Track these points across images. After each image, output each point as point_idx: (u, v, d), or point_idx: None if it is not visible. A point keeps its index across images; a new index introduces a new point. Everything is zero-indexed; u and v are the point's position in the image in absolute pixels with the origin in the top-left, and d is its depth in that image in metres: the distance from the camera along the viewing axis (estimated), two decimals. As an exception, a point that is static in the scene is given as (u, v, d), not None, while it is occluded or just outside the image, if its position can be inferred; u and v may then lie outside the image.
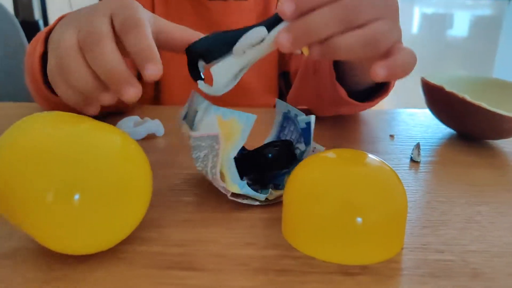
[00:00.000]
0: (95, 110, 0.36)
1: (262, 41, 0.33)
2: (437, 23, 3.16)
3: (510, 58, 2.35)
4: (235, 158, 0.33)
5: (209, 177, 0.33)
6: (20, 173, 0.24)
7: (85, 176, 0.24)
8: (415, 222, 0.33)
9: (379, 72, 0.30)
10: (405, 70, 0.32)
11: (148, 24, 0.33)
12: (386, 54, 0.32)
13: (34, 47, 0.50)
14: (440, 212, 0.35)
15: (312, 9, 0.30)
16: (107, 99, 0.33)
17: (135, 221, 0.28)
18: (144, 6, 0.67)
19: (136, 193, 0.27)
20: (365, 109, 0.57)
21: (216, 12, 0.71)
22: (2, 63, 0.82)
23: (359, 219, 0.27)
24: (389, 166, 0.31)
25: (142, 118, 0.51)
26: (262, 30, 0.32)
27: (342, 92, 0.50)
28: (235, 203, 0.35)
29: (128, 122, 0.49)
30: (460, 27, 2.84)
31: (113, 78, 0.31)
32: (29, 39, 0.95)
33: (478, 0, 2.58)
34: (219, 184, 0.33)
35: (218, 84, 0.34)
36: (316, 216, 0.28)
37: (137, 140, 0.48)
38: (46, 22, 1.29)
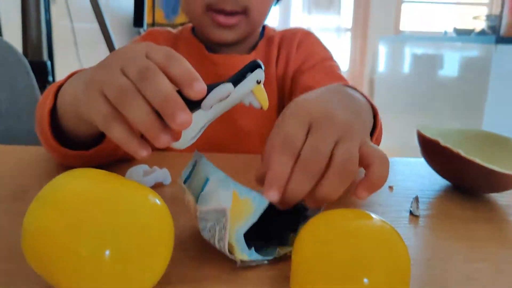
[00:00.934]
0: (147, 151, 0.35)
1: (228, 96, 0.36)
2: (427, 64, 3.24)
3: (500, 99, 2.42)
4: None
5: (216, 246, 0.34)
6: (57, 231, 0.26)
7: (116, 233, 0.27)
8: (417, 280, 0.34)
9: (363, 196, 0.36)
10: (382, 180, 0.36)
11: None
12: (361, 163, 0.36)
13: (45, 100, 0.52)
14: (440, 269, 0.36)
15: (288, 179, 0.34)
16: (164, 140, 0.33)
17: (159, 274, 0.30)
18: None
19: (161, 248, 0.29)
20: None
21: (221, 65, 0.74)
22: (11, 104, 0.84)
23: (366, 280, 0.29)
24: (390, 225, 0.32)
25: (150, 166, 0.53)
26: (229, 86, 0.36)
27: None
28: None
29: (138, 171, 0.51)
30: (450, 67, 2.92)
31: (168, 104, 0.32)
32: (38, 79, 0.98)
33: (467, 43, 2.66)
34: (227, 254, 0.33)
35: (186, 137, 0.36)
36: (324, 276, 0.30)
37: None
38: (52, 63, 1.32)
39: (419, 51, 3.43)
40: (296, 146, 0.35)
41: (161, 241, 0.29)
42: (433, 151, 0.54)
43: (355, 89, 0.51)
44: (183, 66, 0.35)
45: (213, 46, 0.76)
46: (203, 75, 0.78)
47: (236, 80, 0.37)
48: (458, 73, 2.79)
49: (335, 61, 0.78)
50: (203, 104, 0.35)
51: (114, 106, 0.34)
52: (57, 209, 0.27)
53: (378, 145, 0.55)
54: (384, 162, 0.36)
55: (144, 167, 0.52)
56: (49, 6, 1.46)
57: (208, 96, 0.35)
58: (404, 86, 3.61)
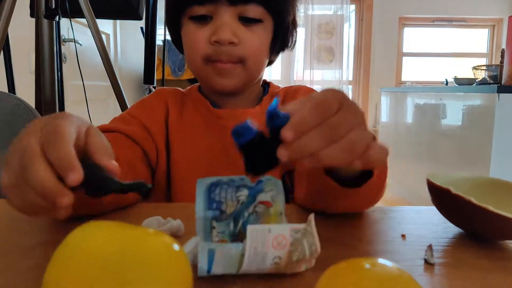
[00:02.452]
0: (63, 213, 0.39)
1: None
2: (430, 113, 3.28)
3: (506, 147, 2.42)
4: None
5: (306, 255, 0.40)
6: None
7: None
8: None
9: (356, 164, 0.40)
10: (379, 159, 0.41)
11: (71, 133, 0.39)
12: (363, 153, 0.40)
13: None
14: (460, 318, 0.36)
15: (305, 132, 0.37)
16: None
17: None
18: (158, 115, 0.74)
19: None
20: (366, 199, 0.59)
21: (225, 119, 0.78)
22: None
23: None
24: (408, 274, 0.32)
25: (164, 218, 0.53)
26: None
27: (330, 182, 0.53)
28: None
29: (152, 222, 0.51)
30: (453, 116, 2.95)
31: (47, 192, 0.36)
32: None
33: (469, 92, 2.71)
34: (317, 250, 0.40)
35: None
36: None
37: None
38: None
39: (421, 101, 3.49)
40: (328, 112, 0.38)
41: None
42: (444, 199, 0.55)
43: None
44: (59, 151, 0.37)
45: (219, 102, 0.80)
46: (209, 128, 0.84)
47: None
48: (462, 122, 2.81)
49: None
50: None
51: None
52: (78, 263, 0.28)
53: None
54: (384, 148, 0.42)
55: (158, 218, 0.53)
56: (61, 66, 1.53)
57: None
58: (408, 136, 3.64)
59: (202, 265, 0.39)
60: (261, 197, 0.48)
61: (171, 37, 0.82)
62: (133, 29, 3.79)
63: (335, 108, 0.38)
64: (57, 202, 0.36)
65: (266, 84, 0.86)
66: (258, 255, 0.38)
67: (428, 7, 4.76)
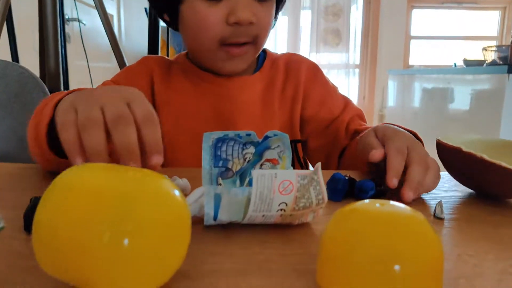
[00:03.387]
0: (81, 160, 0.40)
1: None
2: (438, 97, 3.24)
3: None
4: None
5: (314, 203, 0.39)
6: (78, 219, 0.25)
7: (135, 219, 0.26)
8: (450, 273, 0.33)
9: (408, 196, 0.49)
10: (429, 189, 0.53)
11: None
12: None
13: (41, 110, 0.52)
14: (472, 264, 0.35)
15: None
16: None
17: (176, 265, 0.28)
18: (141, 82, 0.74)
19: (179, 235, 0.28)
20: None
21: (220, 85, 0.75)
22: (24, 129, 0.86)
23: (397, 267, 0.27)
24: (422, 216, 0.31)
25: (170, 177, 0.52)
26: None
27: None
28: (263, 255, 0.35)
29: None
30: (461, 100, 2.92)
31: (127, 153, 0.38)
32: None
33: (478, 74, 2.67)
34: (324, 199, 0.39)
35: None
36: (353, 264, 0.28)
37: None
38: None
39: (429, 85, 3.45)
40: (405, 152, 0.53)
41: (179, 232, 0.29)
42: (455, 159, 0.53)
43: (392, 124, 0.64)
44: (155, 134, 0.40)
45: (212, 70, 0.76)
46: (201, 95, 0.83)
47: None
48: (470, 106, 2.78)
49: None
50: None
51: (78, 126, 0.39)
52: (75, 197, 0.26)
53: None
54: (437, 178, 0.53)
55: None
56: (65, 43, 1.51)
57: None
58: (415, 120, 3.61)
59: (209, 210, 0.39)
60: (268, 154, 0.47)
61: (159, 9, 0.74)
62: (138, 10, 3.76)
63: (406, 149, 0.53)
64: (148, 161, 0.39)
65: (262, 51, 0.82)
66: (264, 200, 0.37)
67: (437, -11, 4.68)
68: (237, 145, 0.46)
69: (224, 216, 0.39)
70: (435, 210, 0.47)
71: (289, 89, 0.79)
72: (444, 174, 0.62)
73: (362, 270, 0.28)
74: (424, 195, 0.53)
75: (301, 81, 0.79)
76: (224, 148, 0.46)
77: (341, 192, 0.50)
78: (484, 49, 3.00)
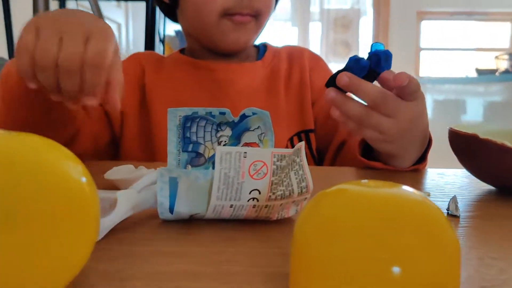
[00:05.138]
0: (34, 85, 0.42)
1: None
2: (451, 109, 3.17)
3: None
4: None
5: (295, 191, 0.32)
6: None
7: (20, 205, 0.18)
8: (469, 281, 0.25)
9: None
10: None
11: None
12: None
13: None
14: (497, 269, 0.27)
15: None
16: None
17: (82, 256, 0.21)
18: (130, 77, 0.69)
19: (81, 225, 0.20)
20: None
21: (218, 72, 0.73)
22: None
23: (396, 269, 0.19)
24: (435, 205, 0.23)
25: (136, 167, 0.45)
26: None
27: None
28: (226, 254, 0.27)
29: (121, 170, 0.44)
30: (474, 112, 2.84)
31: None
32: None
33: (490, 82, 2.58)
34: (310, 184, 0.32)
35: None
36: (333, 266, 0.20)
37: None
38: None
39: (440, 97, 3.37)
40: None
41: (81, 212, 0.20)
42: (471, 149, 0.46)
43: None
44: (94, 79, 0.41)
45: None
46: (196, 83, 0.77)
47: None
48: (483, 118, 2.70)
49: None
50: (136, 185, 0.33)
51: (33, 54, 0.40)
52: None
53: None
54: None
55: (129, 166, 0.45)
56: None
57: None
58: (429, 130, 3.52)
59: (163, 199, 0.31)
60: (246, 137, 0.39)
61: None
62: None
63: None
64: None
65: (262, 45, 0.82)
66: (231, 185, 0.29)
67: (447, 0, 4.61)
68: (210, 126, 0.38)
69: (183, 207, 0.31)
70: (448, 206, 0.39)
71: (294, 76, 0.76)
72: (457, 171, 0.54)
73: (343, 273, 0.20)
74: (438, 192, 0.45)
75: (306, 68, 0.77)
76: (194, 129, 0.38)
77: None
78: (496, 57, 2.93)
